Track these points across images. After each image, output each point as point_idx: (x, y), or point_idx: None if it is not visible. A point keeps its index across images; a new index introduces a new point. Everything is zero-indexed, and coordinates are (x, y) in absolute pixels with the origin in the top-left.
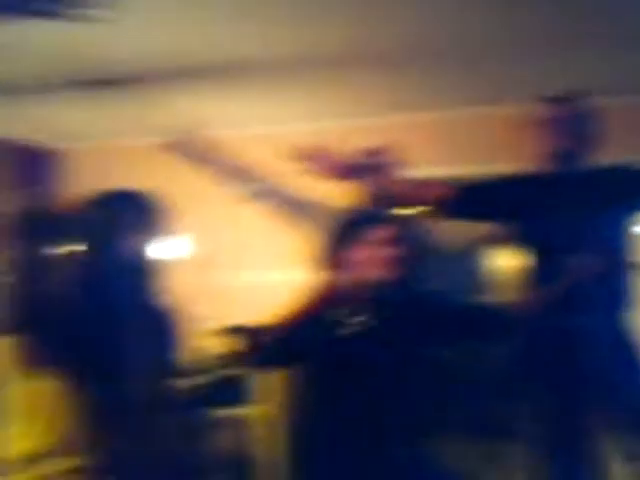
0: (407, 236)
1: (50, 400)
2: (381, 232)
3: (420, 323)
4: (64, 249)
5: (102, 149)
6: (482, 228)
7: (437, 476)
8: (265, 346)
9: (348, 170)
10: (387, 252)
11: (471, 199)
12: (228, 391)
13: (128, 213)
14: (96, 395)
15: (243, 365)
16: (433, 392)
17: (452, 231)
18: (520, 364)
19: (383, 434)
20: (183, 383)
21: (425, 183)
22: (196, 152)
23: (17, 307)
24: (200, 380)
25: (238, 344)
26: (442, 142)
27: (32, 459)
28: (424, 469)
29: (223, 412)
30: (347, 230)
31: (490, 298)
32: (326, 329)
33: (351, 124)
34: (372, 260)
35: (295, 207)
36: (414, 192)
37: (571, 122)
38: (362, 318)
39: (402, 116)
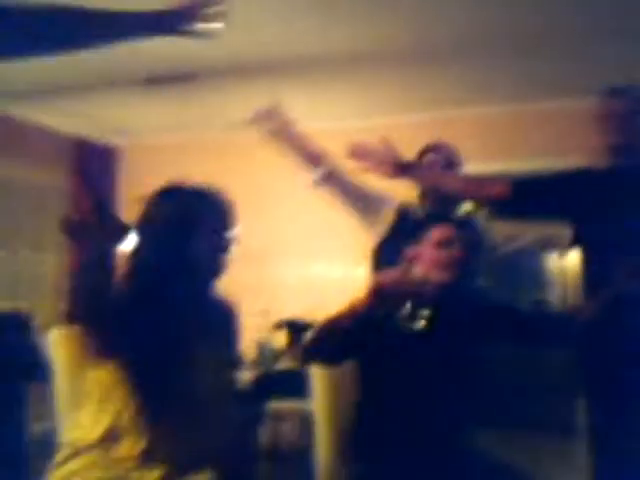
0: (466, 237)
1: (113, 389)
2: (442, 232)
3: (476, 324)
4: (129, 241)
5: (169, 144)
6: (541, 228)
7: (494, 473)
8: (321, 340)
9: (402, 168)
10: (448, 253)
11: (527, 196)
12: (288, 384)
13: (196, 207)
14: (157, 386)
15: (301, 359)
16: (486, 391)
17: (510, 231)
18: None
19: (436, 430)
20: (244, 376)
21: (480, 180)
22: (276, 125)
23: (80, 297)
24: (260, 373)
25: (295, 338)
26: (493, 138)
27: (92, 445)
28: (481, 467)
29: (284, 405)
30: (409, 229)
31: (549, 299)
32: (381, 325)
33: (403, 120)
34: (433, 261)
35: (358, 197)
36: (469, 189)
37: (631, 115)
38: (418, 316)
39: (455, 111)
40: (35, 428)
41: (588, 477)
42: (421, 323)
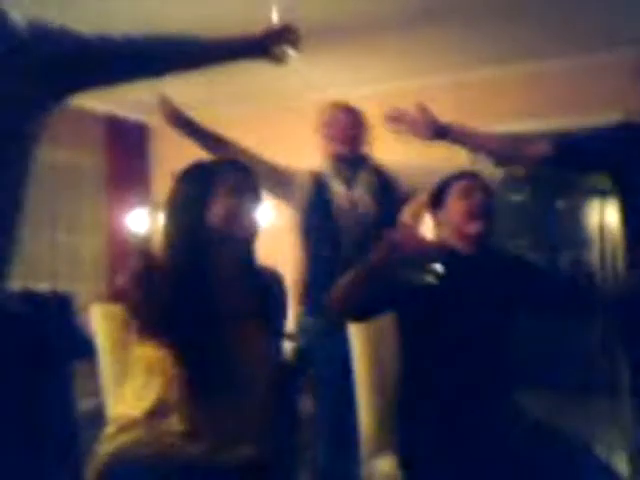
0: (485, 185)
1: (158, 365)
2: (464, 183)
3: (510, 286)
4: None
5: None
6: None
7: (531, 431)
8: (343, 298)
9: (439, 130)
10: (473, 202)
11: (571, 154)
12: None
13: (212, 173)
14: (202, 361)
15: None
16: (529, 354)
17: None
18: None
19: (482, 394)
20: (289, 346)
21: (518, 140)
22: (166, 114)
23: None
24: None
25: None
26: (534, 95)
27: (137, 421)
28: (518, 423)
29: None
30: (439, 187)
31: (588, 258)
32: (416, 277)
33: (437, 81)
34: (462, 212)
35: (268, 175)
36: (508, 149)
37: None
38: (431, 270)
39: (493, 70)
40: (83, 404)
41: (631, 436)
42: (429, 278)
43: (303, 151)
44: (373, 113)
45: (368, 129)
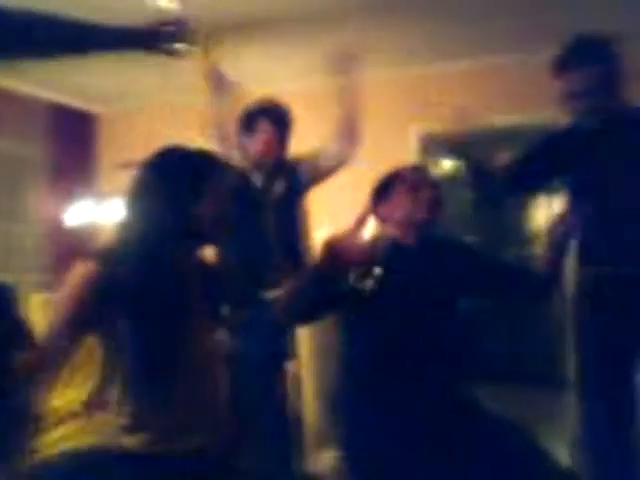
0: (432, 177)
1: (98, 356)
2: (413, 175)
3: (455, 274)
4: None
5: (141, 111)
6: None
7: (478, 421)
8: (287, 303)
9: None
10: (423, 194)
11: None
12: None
13: (205, 169)
14: (145, 353)
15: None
16: (460, 340)
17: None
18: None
19: (419, 380)
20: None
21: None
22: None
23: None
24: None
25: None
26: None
27: (77, 412)
28: (466, 414)
29: None
30: (385, 181)
31: (532, 254)
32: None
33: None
34: (411, 204)
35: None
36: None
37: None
38: (369, 275)
39: (430, 67)
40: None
41: (577, 428)
42: (371, 283)
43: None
44: (299, 108)
45: (292, 129)
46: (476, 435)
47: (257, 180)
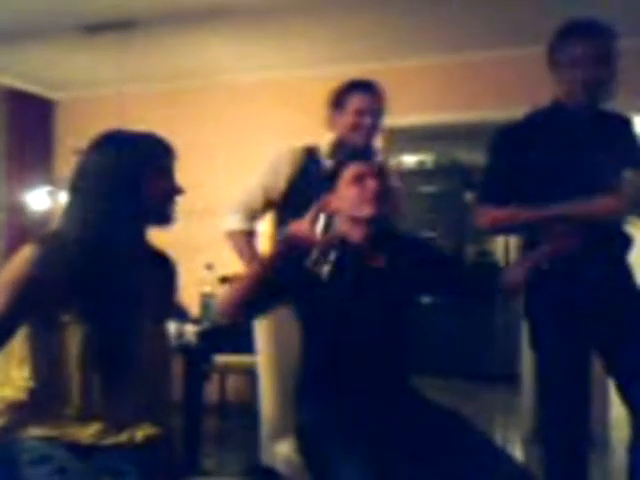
0: (378, 170)
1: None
2: (357, 168)
3: (411, 269)
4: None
5: (100, 98)
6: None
7: (424, 409)
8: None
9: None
10: (367, 187)
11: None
12: (234, 338)
13: (146, 151)
14: (97, 342)
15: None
16: (424, 338)
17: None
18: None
19: (368, 371)
20: (190, 331)
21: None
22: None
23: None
24: (206, 328)
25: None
26: (460, 86)
27: (25, 402)
28: (414, 404)
29: (230, 359)
30: (333, 170)
31: (493, 250)
32: (309, 269)
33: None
34: (354, 198)
35: None
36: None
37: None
38: (325, 261)
39: (419, 59)
40: None
41: (532, 425)
42: (327, 268)
43: (211, 131)
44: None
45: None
46: (425, 424)
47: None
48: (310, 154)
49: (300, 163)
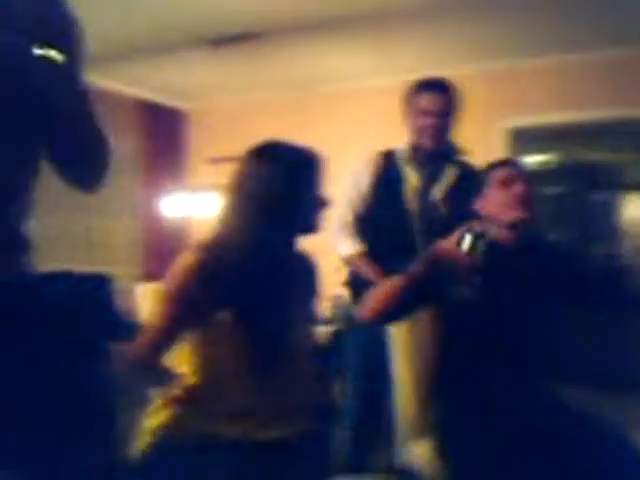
0: (524, 173)
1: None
2: (504, 172)
3: (547, 278)
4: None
5: (228, 107)
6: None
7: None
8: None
9: None
10: (514, 191)
11: None
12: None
13: (301, 163)
14: (252, 340)
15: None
16: (563, 347)
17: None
18: None
19: (507, 377)
20: (321, 331)
21: None
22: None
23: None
24: (336, 329)
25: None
26: (566, 86)
27: (180, 398)
28: (556, 412)
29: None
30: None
31: (622, 251)
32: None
33: (466, 72)
34: (503, 202)
35: None
36: None
37: None
38: (468, 282)
39: (524, 60)
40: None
41: None
42: (469, 292)
43: (333, 138)
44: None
45: (458, 111)
46: (560, 426)
47: (412, 174)
48: (388, 158)
49: (380, 170)
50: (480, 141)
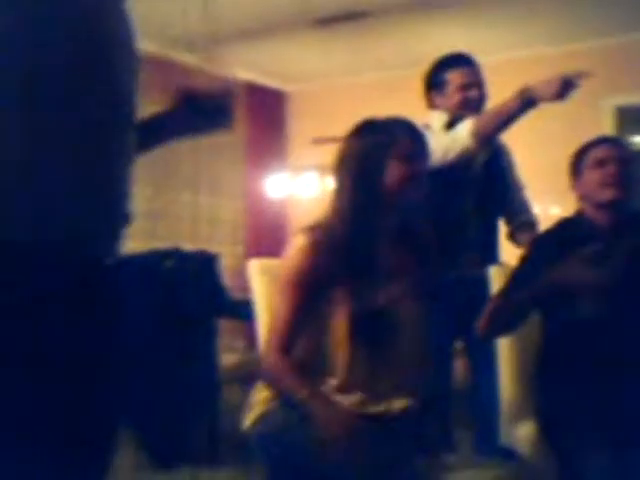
0: (620, 153)
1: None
2: (601, 152)
3: None
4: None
5: (331, 87)
6: None
7: None
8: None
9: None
10: (615, 170)
11: None
12: None
13: (390, 133)
14: (364, 317)
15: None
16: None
17: None
18: None
19: (611, 356)
20: None
21: None
22: None
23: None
24: None
25: None
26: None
27: None
28: None
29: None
30: (576, 155)
31: None
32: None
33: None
34: (595, 181)
35: None
36: None
37: None
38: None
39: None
40: (227, 360)
41: None
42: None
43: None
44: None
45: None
46: None
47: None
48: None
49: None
50: (586, 120)
